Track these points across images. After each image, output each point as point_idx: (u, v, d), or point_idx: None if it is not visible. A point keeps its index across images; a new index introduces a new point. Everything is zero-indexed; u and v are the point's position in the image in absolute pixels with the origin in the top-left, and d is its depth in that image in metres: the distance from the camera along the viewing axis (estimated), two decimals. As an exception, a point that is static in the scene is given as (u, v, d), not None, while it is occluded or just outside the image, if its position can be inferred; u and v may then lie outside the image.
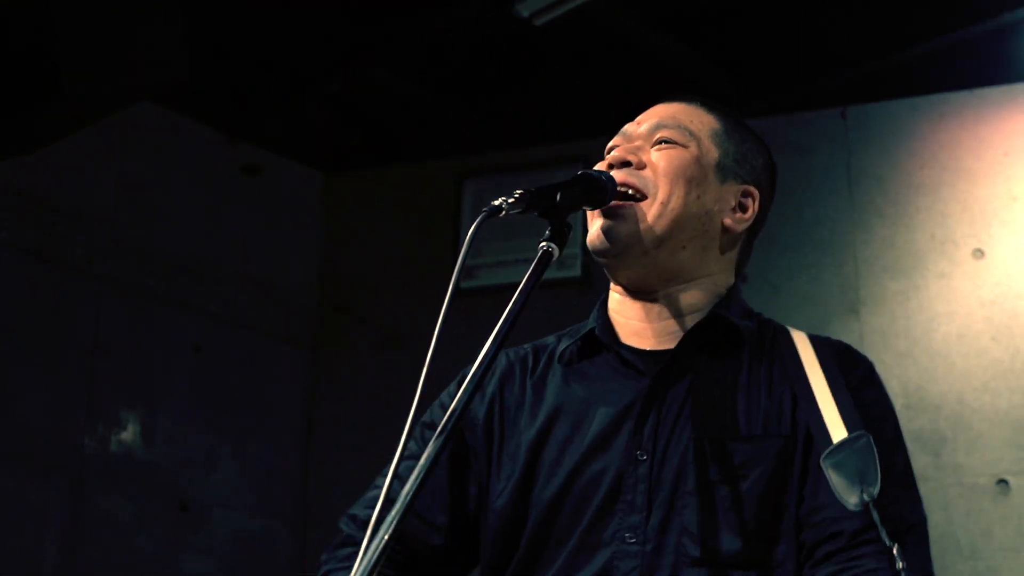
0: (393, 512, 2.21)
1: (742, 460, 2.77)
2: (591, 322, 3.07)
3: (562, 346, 3.10)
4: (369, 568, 2.13)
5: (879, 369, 2.99)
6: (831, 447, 2.66)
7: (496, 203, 2.60)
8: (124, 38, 5.45)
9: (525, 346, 3.16)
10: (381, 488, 2.98)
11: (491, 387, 3.08)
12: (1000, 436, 6.20)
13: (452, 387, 3.06)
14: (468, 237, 2.50)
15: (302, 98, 7.26)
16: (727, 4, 6.56)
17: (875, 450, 2.62)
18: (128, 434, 6.71)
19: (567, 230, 2.68)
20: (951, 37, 6.58)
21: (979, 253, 6.48)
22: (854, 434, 2.67)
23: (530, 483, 2.92)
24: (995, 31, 6.50)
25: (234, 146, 7.45)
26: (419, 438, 3.06)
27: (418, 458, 2.83)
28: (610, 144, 3.10)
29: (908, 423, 6.00)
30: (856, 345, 3.10)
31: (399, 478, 2.89)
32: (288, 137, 7.56)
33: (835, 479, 2.62)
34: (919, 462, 5.05)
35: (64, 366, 6.54)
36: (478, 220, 2.53)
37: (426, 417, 3.09)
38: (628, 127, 3.11)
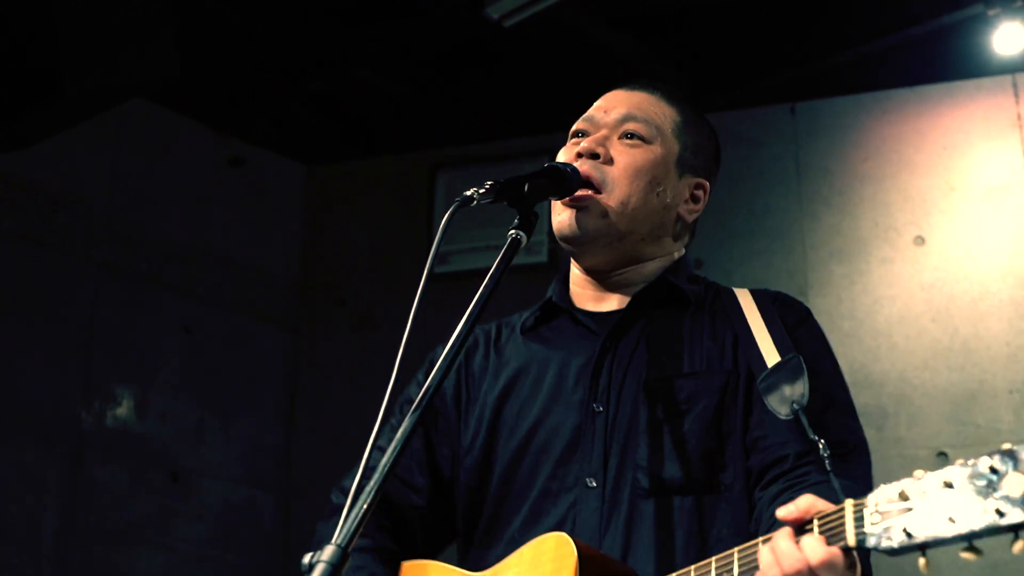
0: (372, 481, 2.23)
1: (687, 395, 2.83)
2: (549, 291, 3.15)
3: (523, 317, 3.16)
4: (350, 534, 2.14)
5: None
6: (765, 371, 2.75)
7: (468, 193, 2.66)
8: (120, 39, 5.45)
9: (491, 322, 3.23)
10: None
11: (459, 359, 3.09)
12: (939, 411, 6.25)
13: (425, 367, 3.10)
14: (441, 225, 2.55)
15: (286, 95, 7.27)
16: (683, 6, 6.57)
17: (805, 369, 2.70)
18: (123, 409, 6.72)
19: (534, 219, 2.74)
20: (893, 38, 6.63)
21: (919, 240, 6.52)
22: (786, 357, 2.75)
23: (494, 439, 2.98)
24: (934, 32, 6.54)
25: (222, 140, 7.45)
26: (399, 412, 3.11)
27: (397, 430, 2.87)
28: (576, 127, 3.13)
29: (853, 399, 5.97)
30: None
31: (380, 449, 2.92)
32: (272, 131, 7.56)
33: (769, 397, 2.71)
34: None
35: (63, 346, 6.55)
36: (451, 209, 2.58)
37: (404, 395, 3.14)
38: (594, 113, 3.12)
